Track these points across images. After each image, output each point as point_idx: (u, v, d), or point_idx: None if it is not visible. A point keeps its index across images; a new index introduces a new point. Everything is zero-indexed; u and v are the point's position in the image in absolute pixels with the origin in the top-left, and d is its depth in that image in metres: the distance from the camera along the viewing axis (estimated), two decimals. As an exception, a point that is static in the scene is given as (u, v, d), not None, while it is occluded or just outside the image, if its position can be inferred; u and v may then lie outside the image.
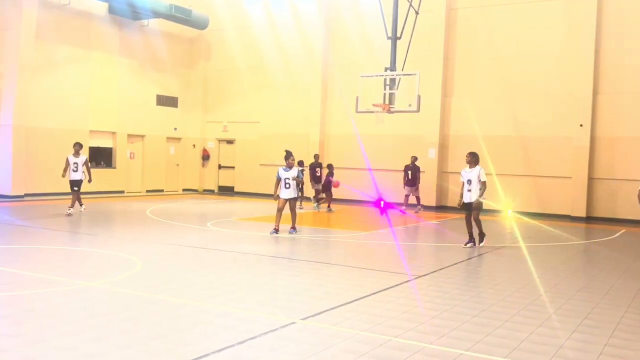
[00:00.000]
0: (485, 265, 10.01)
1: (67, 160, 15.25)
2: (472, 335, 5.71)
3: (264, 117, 24.53)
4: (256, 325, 5.78)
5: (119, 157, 22.87)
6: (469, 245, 11.45)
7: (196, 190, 25.67)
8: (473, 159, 11.32)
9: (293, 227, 12.80)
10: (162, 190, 24.61)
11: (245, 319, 6.01)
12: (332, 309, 6.54)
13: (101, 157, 22.50)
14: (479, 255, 10.86)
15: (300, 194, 13.55)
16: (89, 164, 15.73)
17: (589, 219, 18.49)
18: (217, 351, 4.99)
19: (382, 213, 18.32)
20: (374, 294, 7.37)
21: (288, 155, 12.70)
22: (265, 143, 24.24)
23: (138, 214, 16.24)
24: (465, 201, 11.28)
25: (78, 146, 15.35)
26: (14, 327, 5.43)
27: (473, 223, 11.44)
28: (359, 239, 12.71)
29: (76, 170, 15.17)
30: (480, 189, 11.15)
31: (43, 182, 19.55)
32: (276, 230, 12.45)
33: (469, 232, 11.49)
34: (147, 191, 23.84)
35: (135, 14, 22.37)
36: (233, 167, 25.43)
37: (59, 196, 19.79)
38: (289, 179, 12.45)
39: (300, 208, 18.01)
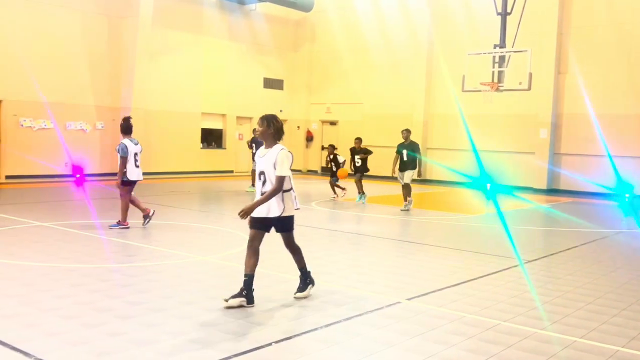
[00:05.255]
0: (600, 251, 9.49)
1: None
2: (587, 323, 5.47)
3: (367, 98, 24.51)
4: (363, 303, 5.87)
5: (228, 138, 23.82)
6: (301, 294, 6.05)
7: (300, 171, 26.19)
8: (268, 130, 5.71)
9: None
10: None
11: (351, 296, 6.11)
12: (439, 290, 6.50)
13: (212, 138, 23.53)
14: (594, 240, 10.32)
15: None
16: None
17: None
18: (325, 326, 5.13)
19: (488, 195, 17.82)
20: (482, 277, 7.23)
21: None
22: (368, 124, 24.21)
23: (247, 192, 16.83)
24: (254, 215, 5.74)
25: None
26: (138, 296, 5.86)
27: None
28: (466, 221, 12.46)
29: None
30: (279, 192, 5.69)
31: (159, 162, 20.74)
32: (119, 224, 9.80)
33: (299, 268, 6.20)
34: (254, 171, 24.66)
35: (244, -1, 23.03)
36: (336, 148, 25.61)
37: (174, 175, 20.93)
38: (137, 154, 9.94)
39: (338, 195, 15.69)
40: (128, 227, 9.84)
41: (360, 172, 15.12)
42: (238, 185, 19.23)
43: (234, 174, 23.64)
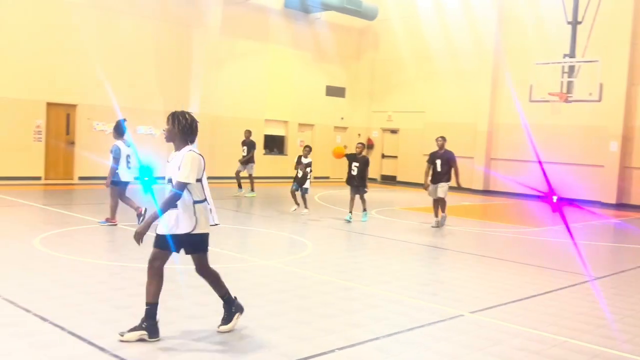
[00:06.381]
0: (676, 271, 9.08)
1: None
2: (660, 345, 5.27)
3: (429, 106, 24.30)
4: (424, 314, 5.85)
5: (290, 145, 24.09)
6: (225, 327, 5.07)
7: (360, 179, 26.17)
8: (172, 129, 4.82)
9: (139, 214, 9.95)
10: (327, 177, 25.48)
11: (413, 307, 6.10)
12: (503, 304, 6.40)
13: (274, 144, 23.88)
14: (668, 259, 9.89)
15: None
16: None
17: None
18: (387, 335, 5.15)
19: (554, 209, 17.34)
20: (547, 292, 7.06)
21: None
22: (430, 133, 23.92)
23: (307, 199, 16.99)
24: (158, 232, 4.86)
25: None
26: (205, 297, 6.03)
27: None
28: (530, 234, 12.17)
29: None
30: (174, 201, 4.72)
31: (224, 166, 21.06)
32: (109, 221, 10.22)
33: (220, 296, 5.18)
34: (315, 178, 24.81)
35: (309, 7, 23.29)
36: (396, 157, 25.56)
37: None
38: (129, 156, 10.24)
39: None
40: (116, 225, 10.10)
41: (356, 185, 12.50)
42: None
43: (295, 180, 23.84)
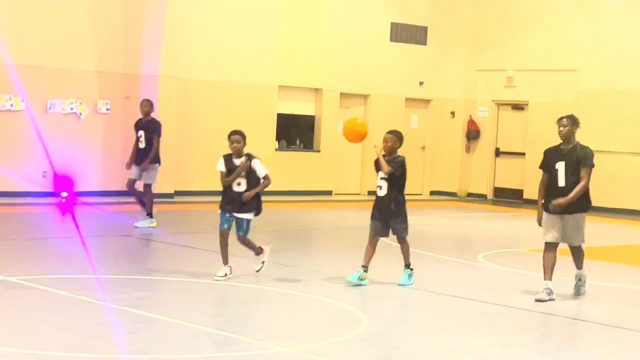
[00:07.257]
0: None
1: None
2: None
3: (585, 60, 24.10)
4: None
5: (324, 133, 23.97)
6: None
7: (455, 195, 26.01)
8: None
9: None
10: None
11: None
12: None
13: (296, 132, 23.73)
14: None
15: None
16: None
17: None
18: None
19: None
20: None
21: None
22: (587, 110, 23.64)
23: (357, 232, 16.96)
24: None
25: None
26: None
27: None
28: None
29: None
30: None
31: (201, 173, 20.79)
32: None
33: None
34: (370, 193, 24.62)
35: None
36: (523, 154, 25.36)
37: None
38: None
39: None
40: None
41: (384, 218, 11.64)
42: (341, 218, 19.43)
43: (334, 197, 23.80)
